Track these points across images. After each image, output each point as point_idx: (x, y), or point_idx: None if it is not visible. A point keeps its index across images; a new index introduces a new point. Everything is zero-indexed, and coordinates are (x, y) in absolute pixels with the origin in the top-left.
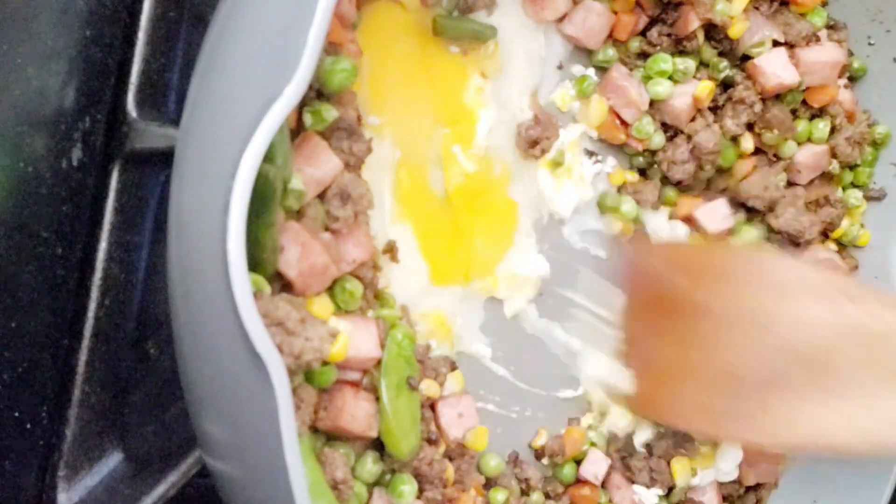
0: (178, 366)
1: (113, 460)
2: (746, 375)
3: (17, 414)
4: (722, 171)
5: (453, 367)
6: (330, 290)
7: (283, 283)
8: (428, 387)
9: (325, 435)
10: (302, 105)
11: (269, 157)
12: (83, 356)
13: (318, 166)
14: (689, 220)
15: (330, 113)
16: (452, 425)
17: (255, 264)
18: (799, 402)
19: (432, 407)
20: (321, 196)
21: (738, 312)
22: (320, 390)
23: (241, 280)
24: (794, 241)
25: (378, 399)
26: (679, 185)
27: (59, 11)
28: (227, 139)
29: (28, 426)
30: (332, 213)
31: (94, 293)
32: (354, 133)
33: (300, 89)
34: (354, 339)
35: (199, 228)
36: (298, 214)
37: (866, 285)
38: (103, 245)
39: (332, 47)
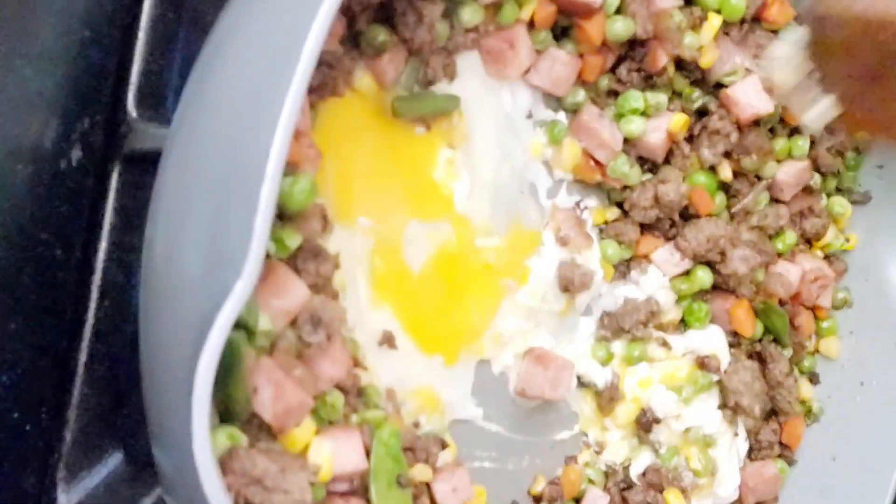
0: None
1: (113, 461)
2: None
3: (16, 415)
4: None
5: (444, 446)
6: None
7: (260, 421)
8: (420, 472)
9: None
10: None
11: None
12: (83, 357)
13: (285, 297)
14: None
15: (293, 240)
16: (448, 500)
17: (229, 415)
18: None
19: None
20: (292, 322)
21: None
22: None
23: (212, 482)
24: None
25: (369, 501)
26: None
27: (59, 12)
28: (182, 337)
29: (28, 427)
30: (304, 340)
31: (94, 294)
32: (320, 254)
33: (249, 288)
34: (339, 455)
35: (168, 407)
36: (270, 348)
37: None
38: (103, 246)
39: (288, 167)
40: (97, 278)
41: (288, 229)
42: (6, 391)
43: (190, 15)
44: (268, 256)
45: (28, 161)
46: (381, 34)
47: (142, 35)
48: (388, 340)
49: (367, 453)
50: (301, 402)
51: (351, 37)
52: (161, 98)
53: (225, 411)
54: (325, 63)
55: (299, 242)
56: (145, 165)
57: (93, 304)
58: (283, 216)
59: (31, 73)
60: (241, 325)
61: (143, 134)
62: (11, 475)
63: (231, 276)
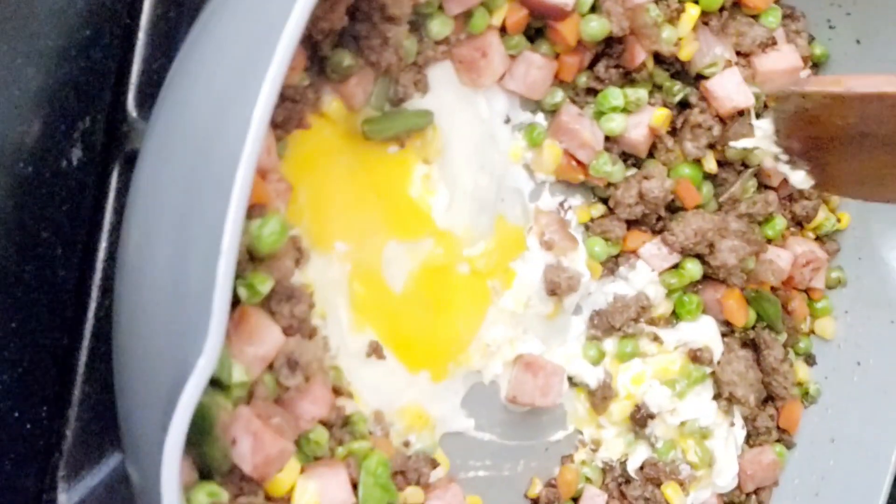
0: None
1: (113, 460)
2: None
3: (17, 414)
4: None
5: (434, 465)
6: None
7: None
8: (412, 495)
9: None
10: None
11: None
12: (83, 356)
13: (259, 344)
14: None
15: (265, 285)
16: None
17: (209, 469)
18: None
19: None
20: (269, 366)
21: None
22: None
23: None
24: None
25: None
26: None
27: (59, 11)
28: (151, 400)
29: (28, 426)
30: (282, 384)
31: (94, 293)
32: (293, 295)
33: (211, 365)
34: (325, 494)
35: (141, 466)
36: (248, 396)
37: None
38: (103, 245)
39: (256, 209)
40: (97, 278)
41: (259, 273)
42: (6, 390)
43: (190, 15)
44: (239, 302)
45: (28, 160)
46: (346, 58)
47: (142, 35)
48: (375, 351)
49: (355, 486)
50: (281, 451)
51: (316, 62)
52: None
53: (205, 465)
54: (288, 98)
55: (272, 286)
56: None
57: (93, 304)
58: (253, 257)
59: (31, 73)
60: (215, 381)
61: (143, 134)
62: (11, 475)
63: (192, 353)
